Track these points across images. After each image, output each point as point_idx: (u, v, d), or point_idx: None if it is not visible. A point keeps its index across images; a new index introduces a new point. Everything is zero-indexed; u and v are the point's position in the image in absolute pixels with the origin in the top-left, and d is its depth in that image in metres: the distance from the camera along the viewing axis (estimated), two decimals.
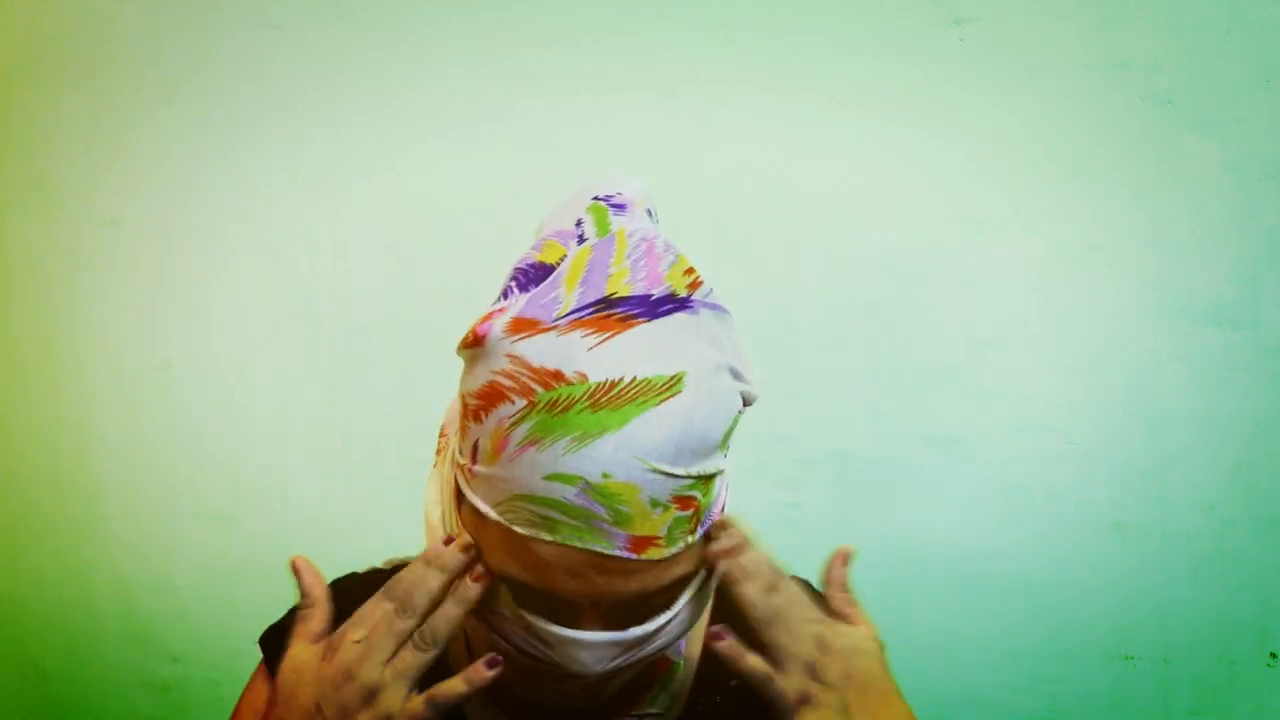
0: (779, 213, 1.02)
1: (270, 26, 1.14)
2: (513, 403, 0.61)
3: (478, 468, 0.62)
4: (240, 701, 0.78)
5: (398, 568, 0.82)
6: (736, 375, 0.63)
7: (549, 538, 0.58)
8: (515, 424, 0.60)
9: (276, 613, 0.81)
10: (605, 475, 0.58)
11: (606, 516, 0.58)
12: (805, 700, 0.59)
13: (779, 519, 1.03)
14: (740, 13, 1.02)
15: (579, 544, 0.58)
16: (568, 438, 0.59)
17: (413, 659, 0.61)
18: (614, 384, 0.60)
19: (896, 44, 0.99)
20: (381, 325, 1.13)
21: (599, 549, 0.58)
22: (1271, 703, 0.95)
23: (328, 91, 1.13)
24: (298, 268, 1.15)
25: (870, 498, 1.02)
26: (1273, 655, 0.95)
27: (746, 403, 0.66)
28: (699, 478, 0.61)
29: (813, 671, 0.61)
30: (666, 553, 0.60)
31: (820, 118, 1.01)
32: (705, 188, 1.04)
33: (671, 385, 0.60)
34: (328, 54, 1.13)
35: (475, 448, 0.63)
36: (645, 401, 0.59)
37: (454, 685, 0.61)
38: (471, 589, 0.62)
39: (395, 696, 0.59)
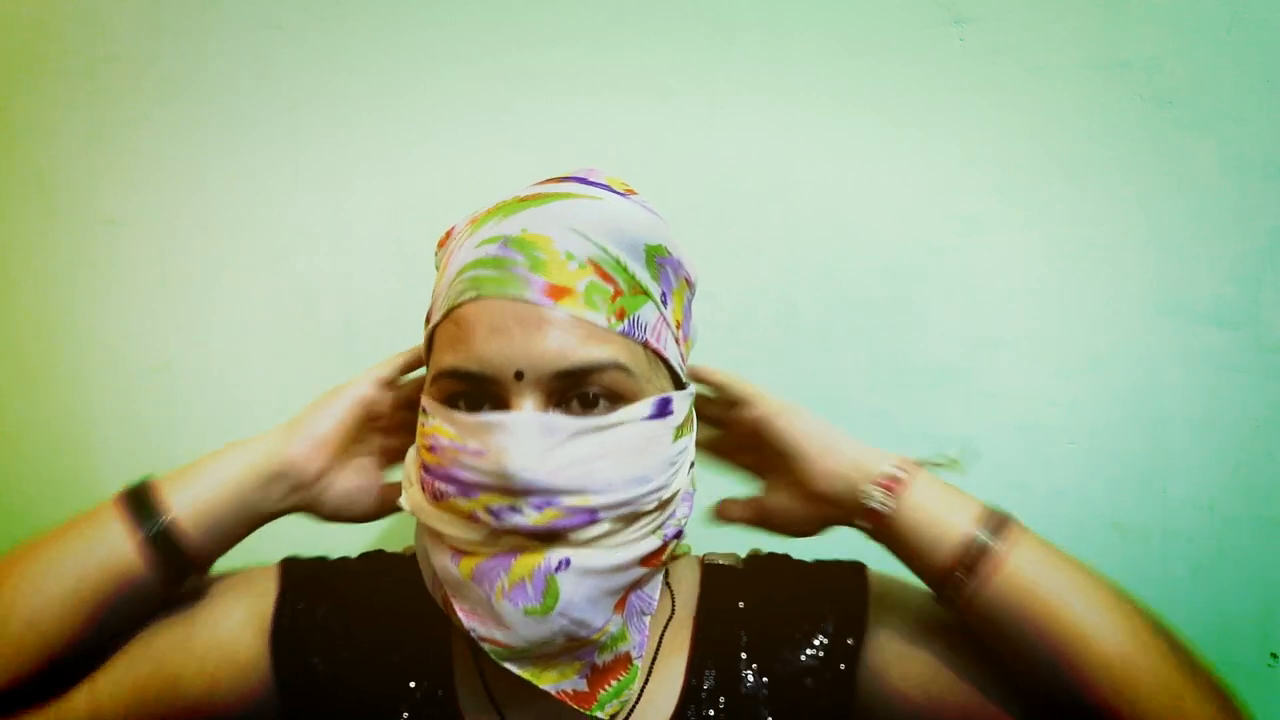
0: (779, 213, 1.02)
1: (270, 26, 1.14)
2: (458, 227, 0.72)
3: (432, 309, 0.70)
4: (239, 573, 0.79)
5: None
6: (671, 245, 0.70)
7: (473, 295, 0.63)
8: (459, 237, 0.70)
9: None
10: (524, 230, 0.64)
11: (523, 262, 0.63)
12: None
13: None
14: (740, 13, 1.02)
15: (499, 292, 0.62)
16: (496, 216, 0.67)
17: None
18: (541, 188, 0.69)
19: (896, 44, 0.99)
20: (381, 325, 1.13)
21: (516, 294, 0.62)
22: (1272, 703, 0.95)
23: (328, 91, 1.13)
24: (297, 268, 1.15)
25: None
26: (1273, 656, 0.95)
27: (689, 281, 0.73)
28: (618, 262, 0.65)
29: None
30: (584, 311, 0.62)
31: (820, 118, 1.01)
32: (705, 188, 1.04)
33: (595, 194, 0.68)
34: (328, 54, 1.13)
35: (432, 296, 0.72)
36: (569, 195, 0.67)
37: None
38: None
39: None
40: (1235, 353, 0.94)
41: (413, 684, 0.73)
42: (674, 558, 0.78)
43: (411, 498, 0.68)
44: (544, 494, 0.60)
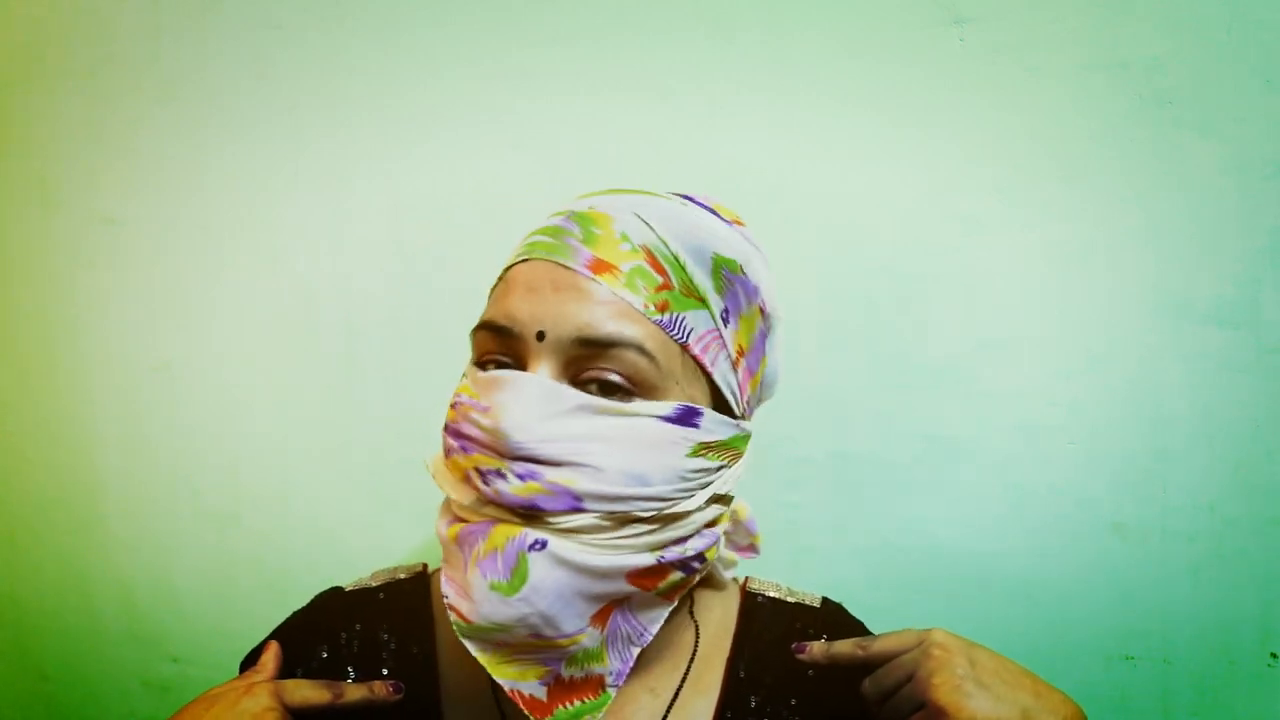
0: (779, 213, 1.02)
1: (270, 26, 1.14)
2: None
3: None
4: None
5: (387, 584, 0.80)
6: (751, 268, 0.69)
7: (524, 258, 0.66)
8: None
9: (276, 612, 0.81)
10: (590, 207, 0.67)
11: (578, 234, 0.64)
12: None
13: (779, 519, 1.03)
14: (740, 13, 1.02)
15: (545, 257, 0.64)
16: (578, 198, 0.70)
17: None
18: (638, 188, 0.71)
19: (896, 44, 0.99)
20: (381, 325, 1.13)
21: (560, 260, 0.63)
22: (1272, 703, 0.95)
23: (328, 91, 1.13)
24: (297, 268, 1.15)
25: (870, 498, 1.02)
26: (1273, 655, 0.95)
27: (764, 311, 0.70)
28: (676, 259, 0.65)
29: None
30: (622, 290, 0.62)
31: (820, 118, 1.01)
32: (705, 188, 1.03)
33: (683, 203, 0.69)
34: (328, 54, 1.13)
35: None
36: (653, 194, 0.69)
37: (321, 693, 0.68)
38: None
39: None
40: (1235, 353, 0.94)
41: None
42: (694, 586, 0.72)
43: (435, 461, 0.68)
44: (529, 462, 0.58)
